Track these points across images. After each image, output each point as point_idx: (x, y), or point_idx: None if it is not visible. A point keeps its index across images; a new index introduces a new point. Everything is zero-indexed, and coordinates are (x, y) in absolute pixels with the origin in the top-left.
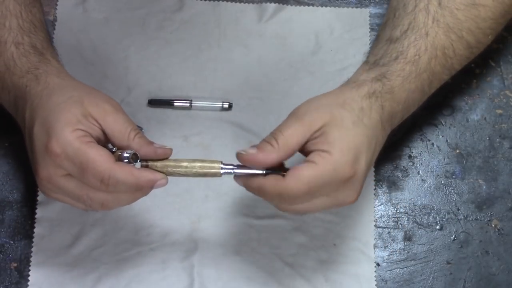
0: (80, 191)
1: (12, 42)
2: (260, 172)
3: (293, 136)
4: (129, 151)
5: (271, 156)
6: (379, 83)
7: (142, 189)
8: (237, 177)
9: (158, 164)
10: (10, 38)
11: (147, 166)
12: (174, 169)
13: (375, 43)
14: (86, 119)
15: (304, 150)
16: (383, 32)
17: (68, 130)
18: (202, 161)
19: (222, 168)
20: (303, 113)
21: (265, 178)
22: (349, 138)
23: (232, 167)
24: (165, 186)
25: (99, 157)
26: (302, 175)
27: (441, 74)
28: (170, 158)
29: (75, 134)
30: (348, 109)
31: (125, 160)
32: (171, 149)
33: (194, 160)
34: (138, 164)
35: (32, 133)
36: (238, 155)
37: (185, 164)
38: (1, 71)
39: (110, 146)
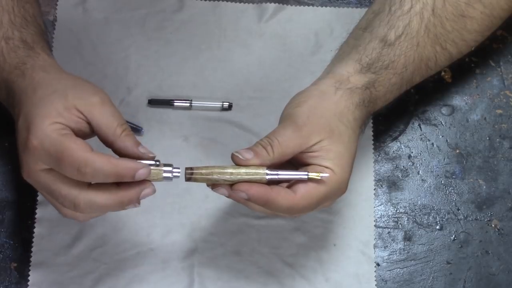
0: (53, 185)
1: (2, 37)
2: (304, 176)
3: (289, 147)
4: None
5: (265, 163)
6: (368, 92)
7: (123, 178)
8: (237, 189)
9: (203, 171)
10: (1, 33)
11: (192, 174)
12: (219, 176)
13: (368, 36)
14: (68, 111)
15: (298, 160)
16: (377, 28)
17: (46, 123)
18: (247, 167)
19: (267, 174)
20: (302, 123)
21: (277, 193)
22: (347, 155)
23: (277, 173)
24: (163, 185)
25: (75, 146)
26: (313, 194)
27: (415, 83)
28: (214, 165)
29: (53, 127)
30: (345, 122)
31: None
32: (154, 156)
33: (239, 167)
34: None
35: (17, 129)
36: (234, 157)
37: (230, 170)
38: None
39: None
